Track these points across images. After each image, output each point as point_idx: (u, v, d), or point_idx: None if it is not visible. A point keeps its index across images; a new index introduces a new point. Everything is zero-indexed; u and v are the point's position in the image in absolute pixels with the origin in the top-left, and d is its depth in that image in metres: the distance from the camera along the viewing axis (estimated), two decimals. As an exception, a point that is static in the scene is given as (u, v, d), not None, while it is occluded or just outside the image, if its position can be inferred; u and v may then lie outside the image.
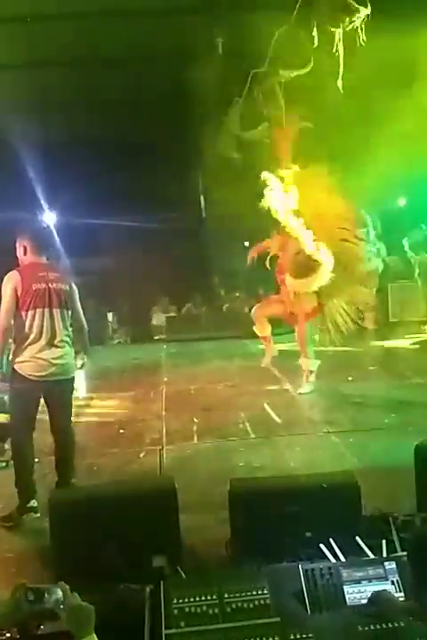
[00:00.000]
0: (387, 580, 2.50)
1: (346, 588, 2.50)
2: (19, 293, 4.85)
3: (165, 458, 5.98)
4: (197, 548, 3.63)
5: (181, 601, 2.54)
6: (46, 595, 2.11)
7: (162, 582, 2.61)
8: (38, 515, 4.65)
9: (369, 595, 2.44)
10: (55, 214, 15.16)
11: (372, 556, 2.64)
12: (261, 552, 2.82)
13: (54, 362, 4.91)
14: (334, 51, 5.30)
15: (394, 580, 2.50)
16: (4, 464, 5.80)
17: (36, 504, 4.72)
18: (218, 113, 6.88)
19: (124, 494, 3.63)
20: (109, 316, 16.93)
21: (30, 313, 4.87)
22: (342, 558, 2.65)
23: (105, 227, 14.51)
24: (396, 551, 2.70)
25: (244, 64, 6.45)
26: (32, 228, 5.70)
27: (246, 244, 10.43)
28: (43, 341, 4.89)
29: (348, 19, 5.23)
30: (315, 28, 5.38)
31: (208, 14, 8.12)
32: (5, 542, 4.44)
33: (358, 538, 2.71)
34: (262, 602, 2.51)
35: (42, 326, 4.90)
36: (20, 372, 4.86)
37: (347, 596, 2.49)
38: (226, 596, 2.55)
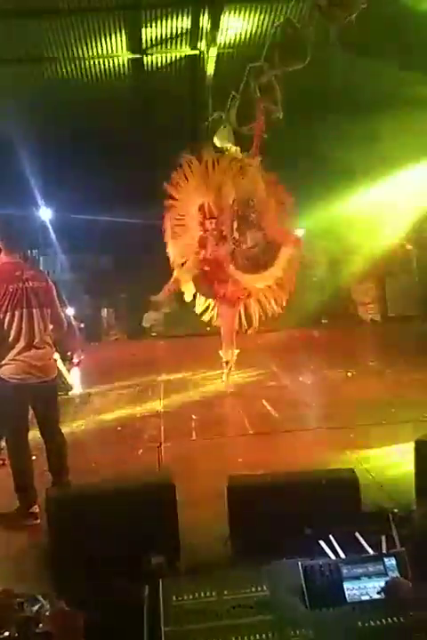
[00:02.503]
0: (387, 575, 2.48)
1: (346, 585, 2.49)
2: None
3: (164, 454, 5.99)
4: (196, 546, 3.62)
5: (179, 598, 2.53)
6: (31, 601, 2.09)
7: (161, 580, 2.60)
8: (38, 521, 4.57)
9: (371, 590, 2.43)
10: (51, 211, 15.14)
11: (371, 552, 2.62)
12: (260, 548, 2.81)
13: (35, 363, 4.80)
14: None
15: (394, 575, 2.49)
16: (1, 461, 5.77)
17: (37, 510, 4.64)
18: (216, 108, 6.87)
19: (122, 492, 3.61)
20: (104, 311, 16.90)
21: (8, 315, 4.75)
22: (342, 554, 2.64)
23: (102, 223, 14.48)
24: (395, 547, 2.69)
25: (241, 58, 6.43)
26: (3, 226, 5.58)
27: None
28: (22, 343, 4.77)
29: (345, 13, 5.21)
30: (312, 23, 5.36)
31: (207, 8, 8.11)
32: (2, 540, 4.43)
33: (357, 534, 2.70)
34: (262, 598, 2.50)
35: (20, 328, 4.78)
36: (2, 375, 4.79)
37: (347, 593, 2.48)
38: (225, 593, 2.54)
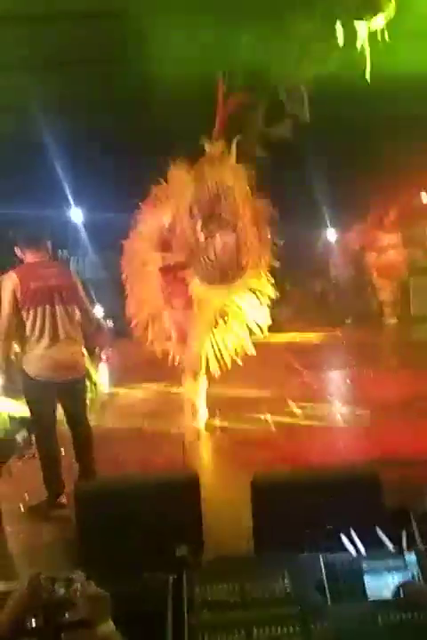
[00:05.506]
0: (407, 571, 2.51)
1: (366, 579, 2.52)
2: (18, 294, 4.81)
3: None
4: (220, 539, 3.67)
5: (203, 589, 2.58)
6: (63, 583, 2.12)
7: (185, 571, 2.65)
8: (66, 511, 4.67)
9: (391, 586, 2.45)
10: (81, 210, 15.27)
11: (392, 548, 2.65)
12: (282, 542, 2.85)
13: (60, 360, 4.90)
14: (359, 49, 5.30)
15: (414, 571, 2.51)
16: (30, 454, 5.87)
17: (65, 500, 4.75)
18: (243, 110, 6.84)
19: (148, 485, 3.68)
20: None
21: (31, 312, 4.83)
22: (363, 550, 2.66)
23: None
24: (416, 543, 2.71)
25: (269, 61, 6.43)
26: (26, 226, 5.65)
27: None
28: (46, 340, 4.86)
29: (373, 16, 5.21)
30: (340, 27, 5.36)
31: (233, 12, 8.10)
32: (32, 531, 4.53)
33: (378, 529, 2.72)
34: (283, 591, 2.54)
35: (43, 325, 4.86)
36: (29, 372, 4.87)
37: (367, 587, 2.51)
38: (247, 585, 2.58)
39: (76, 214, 15.37)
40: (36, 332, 4.85)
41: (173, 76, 9.55)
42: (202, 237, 6.45)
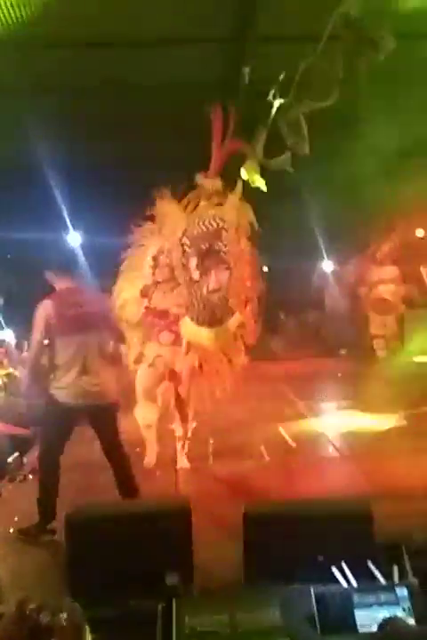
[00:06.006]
0: (398, 605, 2.50)
1: (357, 613, 2.51)
2: (51, 321, 4.77)
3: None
4: (210, 568, 3.65)
5: (192, 619, 2.56)
6: (48, 610, 2.10)
7: (174, 600, 2.63)
8: (55, 537, 4.63)
9: (380, 619, 2.44)
10: (79, 234, 15.30)
11: (383, 582, 2.64)
12: (273, 573, 2.84)
13: (91, 389, 4.84)
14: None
15: (406, 606, 2.50)
16: (22, 476, 5.84)
17: (55, 525, 4.69)
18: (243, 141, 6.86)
19: (138, 512, 3.66)
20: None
21: (65, 339, 4.80)
22: (354, 583, 2.66)
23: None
24: (408, 577, 2.71)
25: (269, 94, 6.47)
26: (57, 254, 5.61)
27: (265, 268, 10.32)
28: (77, 367, 4.81)
29: (373, 53, 5.28)
30: (341, 61, 5.43)
31: (236, 45, 8.19)
32: (21, 555, 4.48)
33: (370, 563, 2.72)
34: (273, 623, 2.53)
35: (76, 353, 4.82)
36: (57, 397, 4.83)
37: (358, 621, 2.50)
38: (237, 615, 2.57)
39: (74, 238, 15.39)
40: (69, 360, 4.80)
41: (170, 104, 9.69)
42: (196, 275, 6.18)
